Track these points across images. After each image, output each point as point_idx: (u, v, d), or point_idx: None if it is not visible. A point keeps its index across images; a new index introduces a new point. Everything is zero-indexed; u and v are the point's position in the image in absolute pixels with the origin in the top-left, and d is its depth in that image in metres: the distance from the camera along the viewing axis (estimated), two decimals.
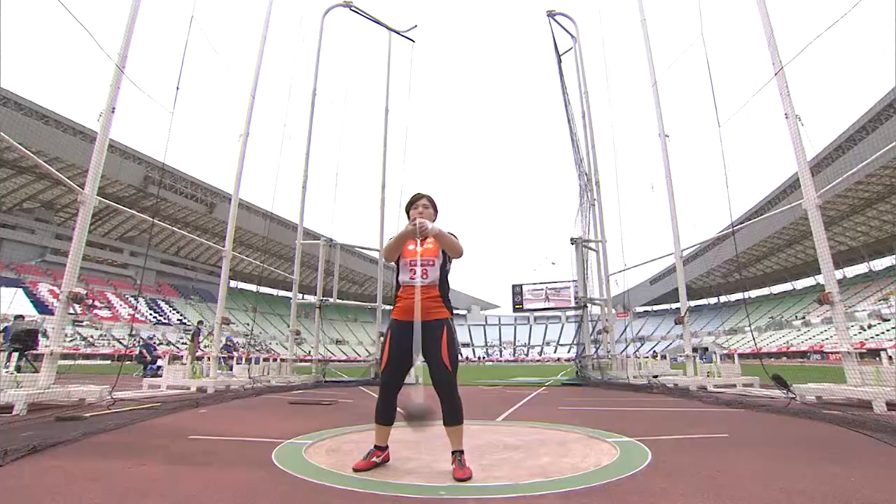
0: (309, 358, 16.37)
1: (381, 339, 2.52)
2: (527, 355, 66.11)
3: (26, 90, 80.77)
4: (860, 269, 49.29)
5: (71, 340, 34.47)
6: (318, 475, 2.17)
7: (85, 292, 5.46)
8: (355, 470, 2.28)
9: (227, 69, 9.48)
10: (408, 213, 2.58)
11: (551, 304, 63.41)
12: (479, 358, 66.37)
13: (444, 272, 2.46)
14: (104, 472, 2.21)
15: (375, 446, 2.38)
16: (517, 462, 2.49)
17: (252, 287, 61.57)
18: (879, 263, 47.20)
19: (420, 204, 2.54)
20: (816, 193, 5.80)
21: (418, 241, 2.42)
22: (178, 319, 47.04)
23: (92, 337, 37.37)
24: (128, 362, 23.98)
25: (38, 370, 5.51)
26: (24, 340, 8.12)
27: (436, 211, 2.61)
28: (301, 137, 12.36)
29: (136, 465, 2.36)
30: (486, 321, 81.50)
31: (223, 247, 9.15)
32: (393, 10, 18.88)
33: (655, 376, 8.92)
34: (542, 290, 62.33)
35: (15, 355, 6.97)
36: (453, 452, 2.25)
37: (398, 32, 14.34)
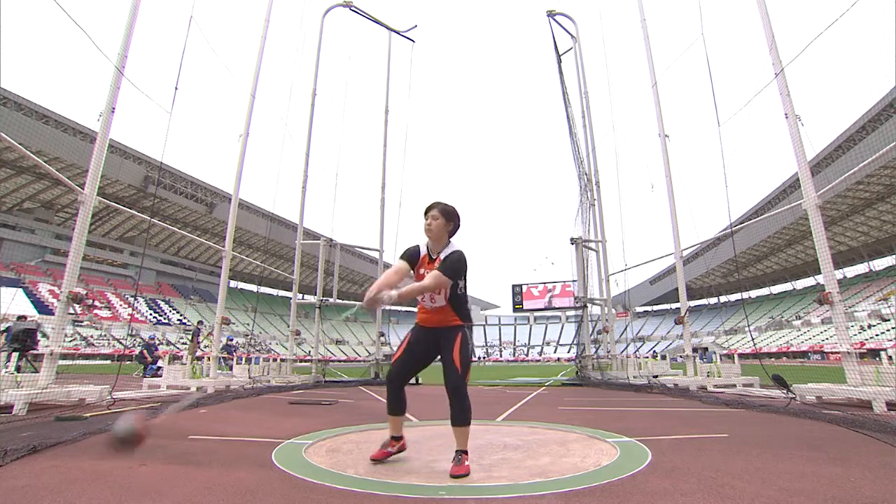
0: (309, 358, 16.38)
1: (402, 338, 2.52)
2: (527, 355, 66.04)
3: (26, 90, 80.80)
4: (860, 269, 49.28)
5: (71, 340, 34.47)
6: (318, 475, 2.17)
7: (85, 292, 5.46)
8: (372, 460, 2.39)
9: (227, 69, 9.49)
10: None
11: (551, 304, 63.48)
12: (479, 358, 66.27)
13: (455, 294, 2.46)
14: (104, 472, 2.21)
15: (391, 437, 2.47)
16: (517, 462, 2.49)
17: (252, 287, 61.64)
18: (879, 263, 47.19)
19: (430, 215, 2.46)
20: (816, 193, 5.80)
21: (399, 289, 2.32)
22: (178, 319, 47.03)
23: (92, 337, 37.37)
24: (128, 362, 24.02)
25: (38, 370, 5.51)
26: (23, 340, 8.11)
27: (449, 220, 2.46)
28: (301, 137, 12.38)
29: (135, 465, 2.36)
30: (486, 321, 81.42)
31: (223, 247, 9.15)
32: (393, 10, 18.90)
33: (655, 376, 8.92)
34: (542, 289, 62.36)
35: (15, 355, 6.97)
36: (456, 451, 2.28)
37: (398, 32, 14.34)
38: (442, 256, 2.43)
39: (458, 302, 2.49)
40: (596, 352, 11.71)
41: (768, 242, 49.15)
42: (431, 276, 2.31)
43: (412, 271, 2.46)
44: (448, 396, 2.33)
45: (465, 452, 2.28)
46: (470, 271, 2.51)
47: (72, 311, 5.29)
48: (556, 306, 62.64)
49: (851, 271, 49.73)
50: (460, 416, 2.32)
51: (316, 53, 12.77)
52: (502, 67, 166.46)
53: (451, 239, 2.53)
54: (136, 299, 46.01)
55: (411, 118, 53.56)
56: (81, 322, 37.20)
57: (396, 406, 2.46)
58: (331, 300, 12.32)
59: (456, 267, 2.38)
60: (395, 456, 2.61)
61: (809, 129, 5.96)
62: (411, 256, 2.49)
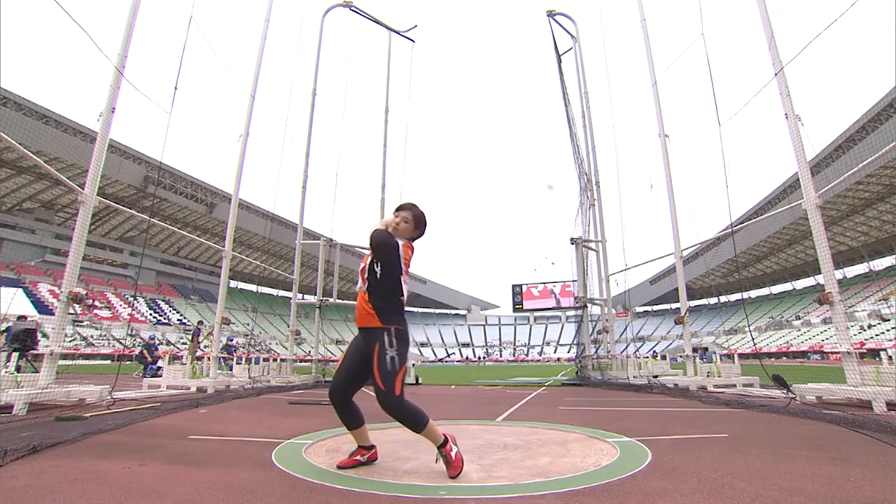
0: (309, 358, 16.39)
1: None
2: (527, 355, 66.03)
3: (26, 90, 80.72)
4: (860, 269, 49.30)
5: (71, 340, 34.47)
6: (318, 475, 2.18)
7: (85, 292, 5.46)
8: (339, 467, 2.30)
9: (227, 70, 9.50)
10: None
11: (551, 304, 63.52)
12: (479, 358, 66.33)
13: (374, 277, 2.24)
14: (104, 472, 2.21)
15: (359, 446, 2.38)
16: (517, 462, 2.49)
17: (252, 287, 61.66)
18: (879, 263, 47.20)
19: (401, 216, 2.38)
20: (816, 193, 5.80)
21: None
22: (178, 319, 47.04)
23: (92, 337, 37.37)
24: (128, 362, 24.02)
25: (38, 370, 5.52)
26: (23, 340, 8.12)
27: (416, 227, 2.42)
28: (301, 137, 12.38)
29: (136, 465, 2.36)
30: (486, 321, 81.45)
31: (223, 247, 9.15)
32: (393, 10, 18.92)
33: (655, 376, 8.92)
34: (542, 289, 62.40)
35: (15, 355, 6.97)
36: (437, 450, 2.23)
37: (398, 32, 14.35)
38: None
39: (377, 289, 2.24)
40: (596, 352, 11.71)
41: (768, 242, 49.15)
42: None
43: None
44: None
45: (444, 444, 2.19)
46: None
47: (72, 311, 5.29)
48: (557, 306, 62.70)
49: (851, 271, 49.75)
50: (411, 426, 2.19)
51: (316, 53, 12.78)
52: (502, 67, 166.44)
53: (413, 244, 2.46)
54: (136, 299, 46.02)
55: (411, 118, 53.56)
56: (81, 322, 37.20)
57: (348, 421, 2.32)
58: (331, 300, 12.32)
59: (378, 241, 2.22)
60: (395, 456, 2.61)
61: (809, 129, 5.97)
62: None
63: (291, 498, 1.84)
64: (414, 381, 10.51)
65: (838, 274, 37.44)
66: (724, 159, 7.51)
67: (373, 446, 2.41)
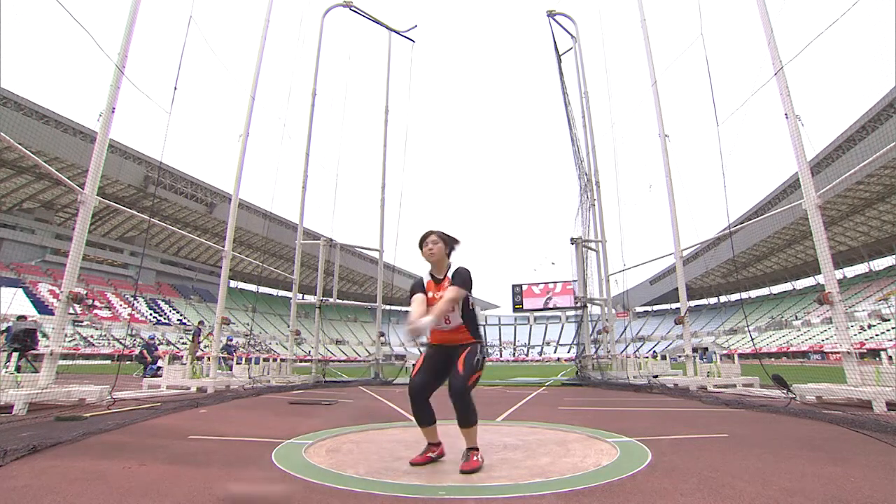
0: (309, 358, 16.40)
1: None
2: (527, 355, 66.04)
3: (26, 90, 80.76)
4: (860, 269, 49.28)
5: (71, 340, 34.46)
6: (318, 475, 2.17)
7: (85, 292, 5.46)
8: (412, 464, 2.37)
9: (227, 70, 9.50)
10: (421, 248, 2.56)
11: (551, 304, 63.49)
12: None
13: (468, 309, 2.50)
14: (104, 472, 2.21)
15: (428, 443, 2.47)
16: (517, 462, 2.49)
17: (252, 287, 61.63)
18: (879, 263, 47.18)
19: (430, 241, 2.52)
20: (816, 193, 5.81)
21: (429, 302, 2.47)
22: (178, 319, 47.02)
23: (92, 337, 37.36)
24: (128, 362, 24.01)
25: (38, 370, 5.52)
26: (23, 340, 8.12)
27: (447, 244, 2.55)
28: (301, 137, 12.39)
29: (136, 465, 2.36)
30: (486, 321, 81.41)
31: (223, 247, 9.15)
32: (393, 10, 18.91)
33: (655, 376, 8.93)
34: (542, 289, 62.38)
35: (15, 355, 6.97)
36: (466, 449, 2.35)
37: (398, 32, 14.36)
38: (449, 275, 2.50)
39: (471, 318, 2.51)
40: (596, 352, 11.71)
41: (768, 242, 49.14)
42: (451, 290, 2.39)
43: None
44: (451, 399, 2.29)
45: (476, 449, 2.33)
46: (471, 273, 2.54)
47: (72, 311, 5.29)
48: (557, 306, 62.68)
49: (851, 271, 49.72)
50: (463, 416, 2.30)
51: (316, 53, 12.79)
52: (502, 67, 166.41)
53: (450, 259, 2.59)
54: (136, 299, 46.02)
55: (411, 118, 53.55)
56: (81, 322, 37.18)
57: (422, 418, 2.43)
58: (331, 300, 12.33)
59: (466, 277, 2.46)
60: (395, 456, 2.61)
61: (809, 129, 5.97)
62: (418, 287, 2.55)
63: (291, 498, 1.84)
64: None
65: (838, 274, 37.35)
66: (722, 159, 7.52)
67: (440, 443, 2.50)
